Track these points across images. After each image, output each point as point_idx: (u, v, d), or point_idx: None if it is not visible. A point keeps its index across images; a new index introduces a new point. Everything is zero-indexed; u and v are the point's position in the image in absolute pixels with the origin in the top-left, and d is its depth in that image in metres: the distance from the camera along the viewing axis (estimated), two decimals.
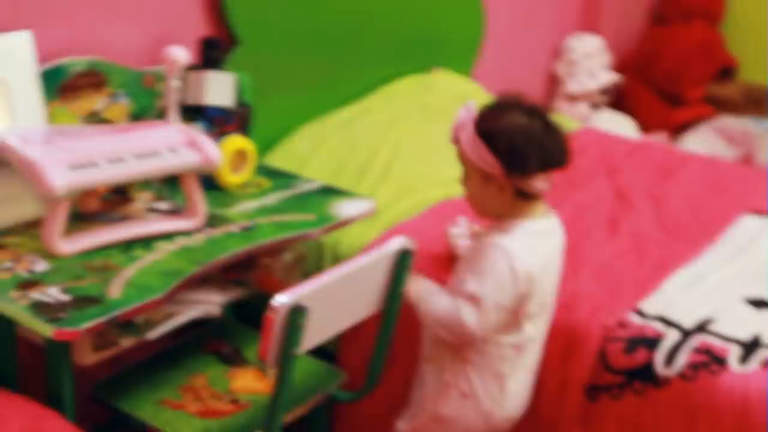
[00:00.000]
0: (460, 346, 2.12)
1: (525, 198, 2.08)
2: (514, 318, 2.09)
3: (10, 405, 1.94)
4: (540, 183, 2.08)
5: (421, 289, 2.13)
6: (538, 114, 2.08)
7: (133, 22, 2.62)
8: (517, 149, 2.02)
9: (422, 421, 2.23)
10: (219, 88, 2.57)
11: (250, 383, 2.26)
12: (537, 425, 2.34)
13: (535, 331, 2.15)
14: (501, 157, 2.02)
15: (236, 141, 2.47)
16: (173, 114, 2.30)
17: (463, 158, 2.10)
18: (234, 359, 2.34)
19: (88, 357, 2.05)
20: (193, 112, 2.51)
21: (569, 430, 2.31)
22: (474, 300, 2.04)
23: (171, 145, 2.21)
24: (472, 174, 2.10)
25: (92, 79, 2.41)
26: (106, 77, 2.43)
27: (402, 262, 2.10)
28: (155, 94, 2.54)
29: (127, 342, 2.08)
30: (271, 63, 2.97)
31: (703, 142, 4.36)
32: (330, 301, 1.95)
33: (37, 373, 2.19)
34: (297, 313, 1.85)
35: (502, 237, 2.08)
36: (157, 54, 2.67)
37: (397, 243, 2.09)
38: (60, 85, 2.34)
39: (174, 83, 2.26)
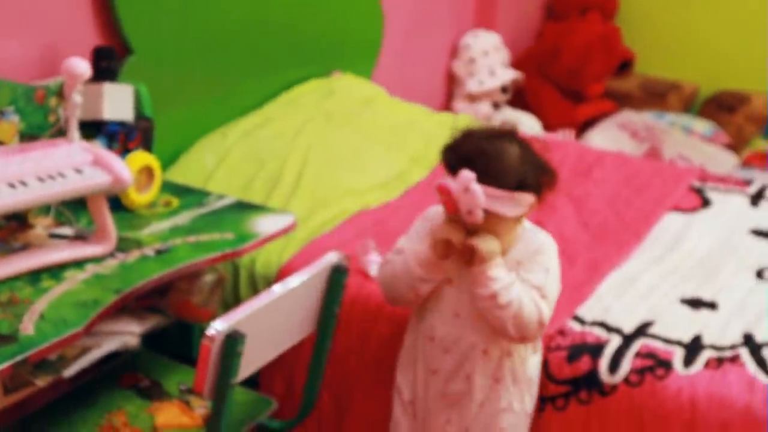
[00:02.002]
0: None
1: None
2: None
3: None
4: None
5: (501, 263, 2.05)
6: (503, 133, 2.08)
7: (17, 33, 2.53)
8: (546, 173, 2.05)
9: None
10: (118, 101, 2.52)
11: (174, 418, 2.21)
12: None
13: None
14: (538, 190, 2.04)
15: (141, 157, 2.42)
16: (75, 131, 2.23)
17: (499, 221, 2.02)
18: (153, 393, 2.29)
19: None
20: (90, 128, 2.45)
21: None
22: (543, 295, 2.07)
23: (76, 166, 2.15)
24: (499, 224, 2.03)
25: None
26: None
27: (335, 280, 2.09)
28: (47, 110, 2.46)
29: (42, 381, 2.01)
30: (167, 72, 2.92)
31: (607, 137, 4.48)
32: (266, 326, 1.92)
33: None
34: (234, 340, 1.82)
35: (545, 234, 2.15)
36: (44, 66, 2.61)
37: (329, 260, 2.08)
38: None
39: (76, 98, 2.19)
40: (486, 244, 2.02)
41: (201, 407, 2.25)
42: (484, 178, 1.96)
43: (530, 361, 2.19)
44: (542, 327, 2.09)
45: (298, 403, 2.33)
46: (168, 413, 2.22)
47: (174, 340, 2.53)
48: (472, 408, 2.16)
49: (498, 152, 2.01)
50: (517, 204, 2.01)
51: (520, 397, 2.18)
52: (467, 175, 1.96)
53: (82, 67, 2.17)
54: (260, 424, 2.24)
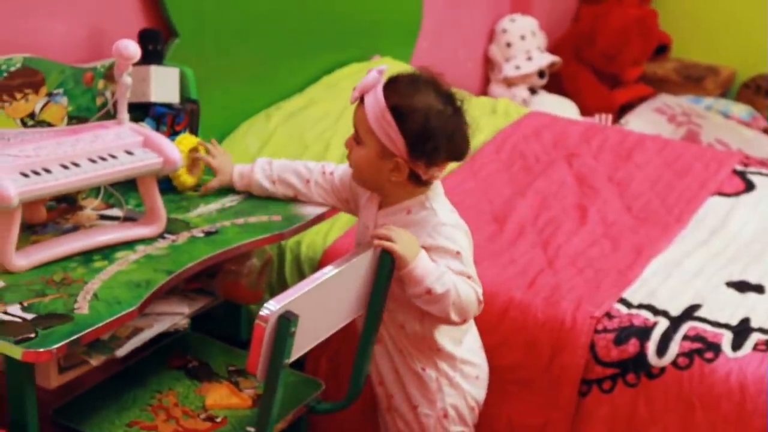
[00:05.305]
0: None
1: (416, 183, 2.06)
2: None
3: None
4: (438, 171, 2.06)
5: (424, 256, 2.01)
6: (451, 99, 2.04)
7: (64, 15, 2.54)
8: (429, 137, 1.98)
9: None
10: (164, 84, 2.53)
11: (223, 398, 2.22)
12: (524, 427, 2.37)
13: None
14: (409, 139, 1.98)
15: (189, 139, 2.42)
16: (125, 113, 2.24)
17: (362, 124, 2.03)
18: (202, 374, 2.30)
19: (53, 379, 1.99)
20: (137, 111, 2.45)
21: (557, 430, 2.33)
22: (468, 275, 2.05)
23: (127, 147, 2.16)
24: (367, 142, 2.03)
25: (28, 79, 2.32)
26: (44, 75, 2.35)
27: (384, 262, 2.08)
28: (95, 92, 2.47)
29: (96, 361, 2.02)
30: (210, 55, 2.92)
31: (644, 122, 4.44)
32: (318, 307, 1.92)
33: None
34: (287, 321, 1.82)
35: (439, 212, 2.07)
36: (91, 49, 2.61)
37: None
38: None
39: (126, 80, 2.19)
40: (403, 244, 1.99)
41: (250, 388, 2.25)
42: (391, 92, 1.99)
43: (446, 333, 2.15)
44: (481, 304, 2.07)
45: (344, 384, 2.34)
46: (217, 394, 2.23)
47: (220, 322, 2.54)
48: (388, 372, 2.20)
49: (419, 86, 2.01)
50: (382, 124, 1.97)
51: (434, 365, 2.16)
52: (382, 67, 2.02)
53: (133, 48, 2.17)
54: (308, 406, 2.24)
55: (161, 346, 2.38)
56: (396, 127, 1.98)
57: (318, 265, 2.58)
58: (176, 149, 2.18)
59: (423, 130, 1.97)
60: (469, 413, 2.22)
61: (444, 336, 2.15)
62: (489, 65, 4.54)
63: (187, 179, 2.38)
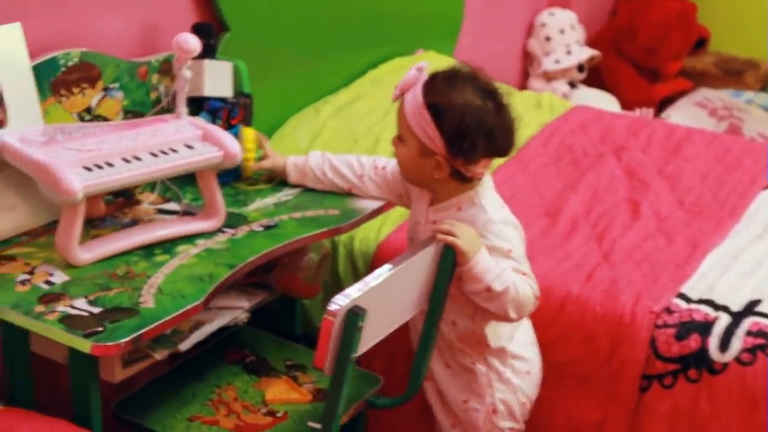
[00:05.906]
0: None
1: (461, 180, 2.04)
2: None
3: (38, 427, 1.86)
4: (480, 168, 2.04)
5: (485, 253, 2.00)
6: (492, 95, 2.01)
7: (120, 11, 2.53)
8: (466, 134, 1.95)
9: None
10: (218, 78, 2.52)
11: (283, 393, 2.21)
12: (583, 422, 2.35)
13: None
14: (447, 137, 1.96)
15: (251, 131, 2.41)
16: (183, 107, 2.23)
17: (403, 122, 2.03)
18: (260, 368, 2.29)
19: (118, 373, 1.99)
20: (192, 105, 2.44)
21: (616, 427, 2.32)
22: (523, 272, 2.04)
23: (186, 141, 2.15)
24: (408, 141, 2.02)
25: (85, 73, 2.32)
26: (100, 70, 2.34)
27: (446, 257, 2.07)
28: (149, 86, 2.46)
29: (159, 355, 2.02)
30: (260, 49, 2.91)
31: (685, 116, 4.40)
32: (382, 302, 1.91)
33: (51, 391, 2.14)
34: (355, 315, 1.81)
35: (488, 209, 2.05)
36: (145, 43, 2.61)
37: None
38: (52, 80, 2.24)
39: (185, 73, 2.19)
40: (466, 240, 1.98)
41: (308, 383, 2.25)
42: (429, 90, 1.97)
43: (496, 329, 2.14)
44: (537, 300, 2.06)
45: (398, 380, 2.33)
46: (277, 389, 2.22)
47: (275, 317, 2.54)
48: (438, 367, 2.21)
49: (457, 83, 1.98)
50: (419, 122, 1.97)
51: (484, 361, 2.16)
52: (422, 64, 2.01)
53: (194, 42, 2.17)
54: (368, 401, 2.23)
55: (218, 341, 2.37)
56: (434, 125, 1.97)
57: (372, 259, 2.57)
58: (236, 143, 2.17)
59: (460, 127, 1.96)
60: (520, 408, 2.21)
61: (494, 332, 2.14)
62: (528, 59, 4.52)
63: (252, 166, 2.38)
